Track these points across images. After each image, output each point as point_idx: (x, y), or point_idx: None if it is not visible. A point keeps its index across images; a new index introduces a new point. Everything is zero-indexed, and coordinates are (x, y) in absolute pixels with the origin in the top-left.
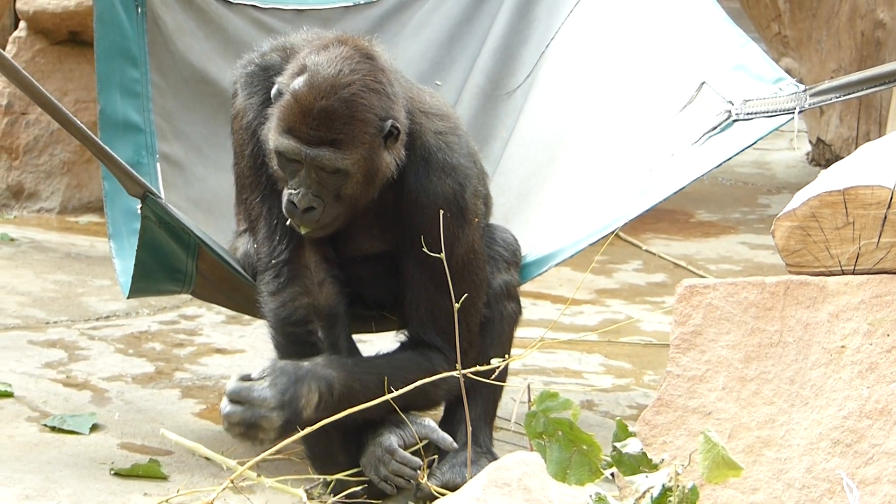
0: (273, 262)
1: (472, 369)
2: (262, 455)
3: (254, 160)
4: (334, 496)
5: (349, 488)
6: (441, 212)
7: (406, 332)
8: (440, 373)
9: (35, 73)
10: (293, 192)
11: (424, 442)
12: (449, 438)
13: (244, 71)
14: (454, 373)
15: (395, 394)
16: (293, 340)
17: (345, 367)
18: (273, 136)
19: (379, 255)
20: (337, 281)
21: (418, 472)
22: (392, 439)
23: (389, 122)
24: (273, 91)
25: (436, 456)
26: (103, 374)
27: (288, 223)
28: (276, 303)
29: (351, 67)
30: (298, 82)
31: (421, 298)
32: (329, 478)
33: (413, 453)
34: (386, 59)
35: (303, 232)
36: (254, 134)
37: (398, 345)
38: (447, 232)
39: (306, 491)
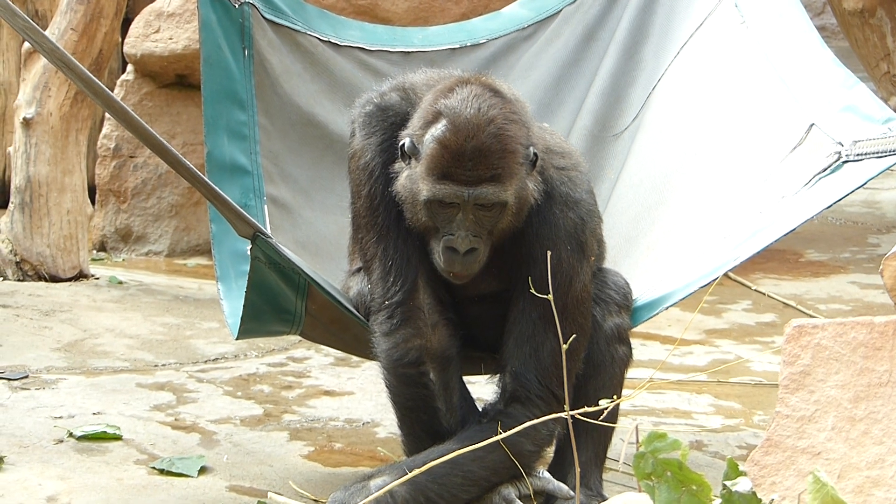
0: (387, 303)
1: (581, 410)
2: (363, 501)
3: (370, 200)
4: None
5: None
6: (560, 246)
7: (500, 378)
8: (522, 434)
9: (143, 117)
10: (451, 237)
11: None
12: (565, 488)
13: (363, 111)
14: (562, 414)
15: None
16: (405, 382)
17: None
18: (426, 187)
19: (494, 294)
20: (450, 323)
21: None
22: (510, 489)
23: (531, 150)
24: (405, 144)
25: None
26: (212, 417)
27: (407, 263)
28: (389, 344)
29: (488, 104)
30: (440, 129)
31: (526, 336)
32: None
33: (524, 498)
34: (509, 90)
35: (458, 281)
36: (371, 174)
37: (482, 412)
38: (566, 265)
39: None
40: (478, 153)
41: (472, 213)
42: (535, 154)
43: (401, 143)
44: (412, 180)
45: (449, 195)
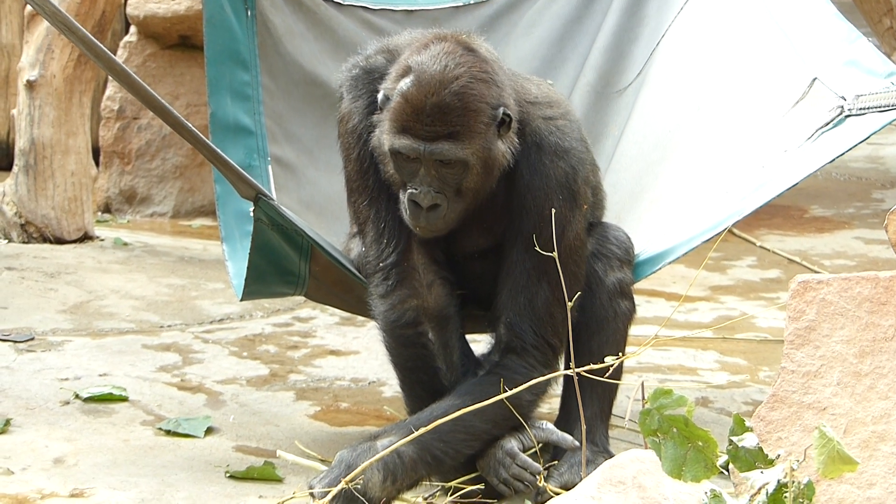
0: (381, 264)
1: (587, 368)
2: (370, 461)
3: (360, 164)
4: (449, 496)
5: (464, 487)
6: (552, 196)
7: (495, 332)
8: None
9: (146, 78)
10: (414, 191)
11: (541, 445)
12: (569, 438)
13: (349, 74)
14: (568, 371)
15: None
16: (403, 342)
17: (418, 441)
18: (388, 139)
19: (490, 250)
20: (446, 282)
21: (537, 477)
22: (512, 442)
23: (501, 110)
24: (380, 97)
25: (554, 462)
26: (217, 378)
27: (400, 225)
28: (385, 305)
29: (456, 61)
30: (406, 83)
31: (520, 286)
32: (447, 484)
33: (530, 455)
34: (486, 50)
35: (423, 235)
36: (359, 137)
37: (480, 365)
38: (558, 216)
39: (424, 499)
40: (437, 109)
41: (434, 170)
42: (505, 115)
43: (379, 98)
44: (382, 132)
45: (406, 148)
